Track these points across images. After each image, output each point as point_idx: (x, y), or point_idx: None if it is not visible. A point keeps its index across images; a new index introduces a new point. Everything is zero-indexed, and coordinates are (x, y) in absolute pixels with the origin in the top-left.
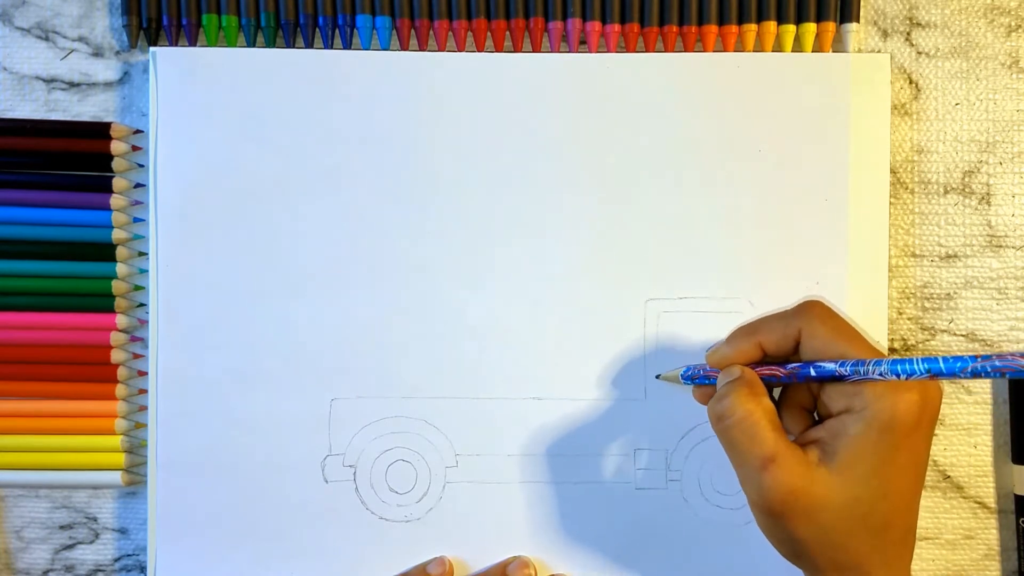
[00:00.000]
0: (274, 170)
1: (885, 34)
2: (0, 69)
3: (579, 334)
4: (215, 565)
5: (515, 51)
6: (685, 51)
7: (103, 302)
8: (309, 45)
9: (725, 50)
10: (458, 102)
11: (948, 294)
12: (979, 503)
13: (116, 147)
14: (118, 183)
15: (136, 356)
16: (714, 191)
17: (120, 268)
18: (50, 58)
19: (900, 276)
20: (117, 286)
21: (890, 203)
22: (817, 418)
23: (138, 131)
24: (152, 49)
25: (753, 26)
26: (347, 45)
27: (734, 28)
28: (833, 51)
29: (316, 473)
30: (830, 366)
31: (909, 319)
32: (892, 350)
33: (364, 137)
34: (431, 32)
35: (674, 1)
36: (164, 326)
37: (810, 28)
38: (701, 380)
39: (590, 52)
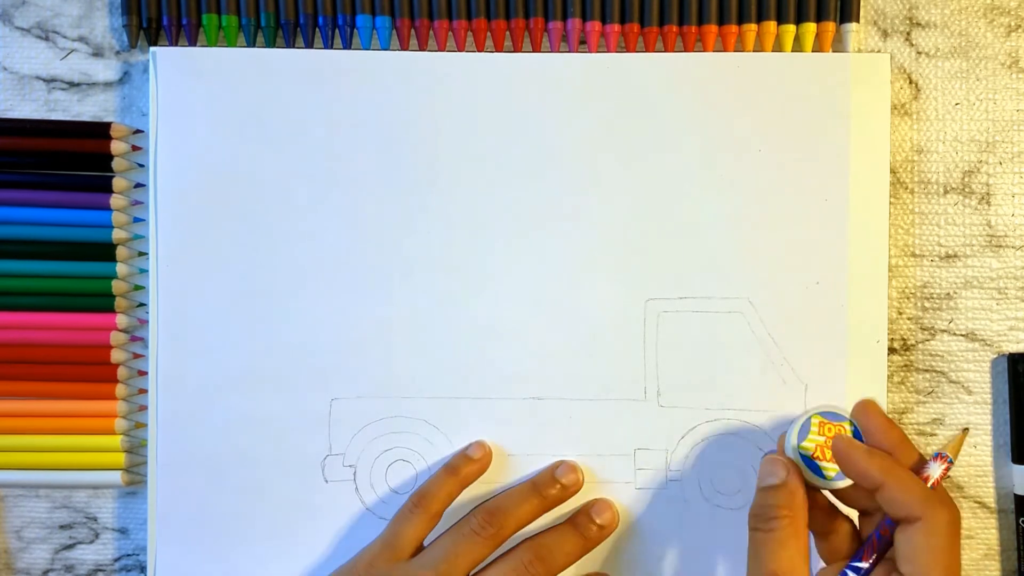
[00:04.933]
0: (274, 170)
1: (885, 34)
2: (0, 69)
3: (579, 334)
4: (215, 565)
5: (515, 51)
6: (685, 51)
7: (103, 302)
8: (309, 45)
9: (725, 50)
10: (458, 102)
11: (948, 294)
12: (979, 503)
13: (116, 147)
14: (118, 183)
15: (136, 356)
16: (714, 191)
17: (120, 268)
18: (50, 58)
19: (900, 276)
20: (117, 286)
21: (890, 203)
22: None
23: (138, 131)
24: (152, 49)
25: (753, 26)
26: (347, 45)
27: (734, 28)
28: (833, 51)
29: (316, 473)
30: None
31: (909, 319)
32: (892, 350)
33: (364, 137)
34: (431, 32)
35: (674, 1)
36: (164, 326)
37: (810, 28)
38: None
39: (590, 52)
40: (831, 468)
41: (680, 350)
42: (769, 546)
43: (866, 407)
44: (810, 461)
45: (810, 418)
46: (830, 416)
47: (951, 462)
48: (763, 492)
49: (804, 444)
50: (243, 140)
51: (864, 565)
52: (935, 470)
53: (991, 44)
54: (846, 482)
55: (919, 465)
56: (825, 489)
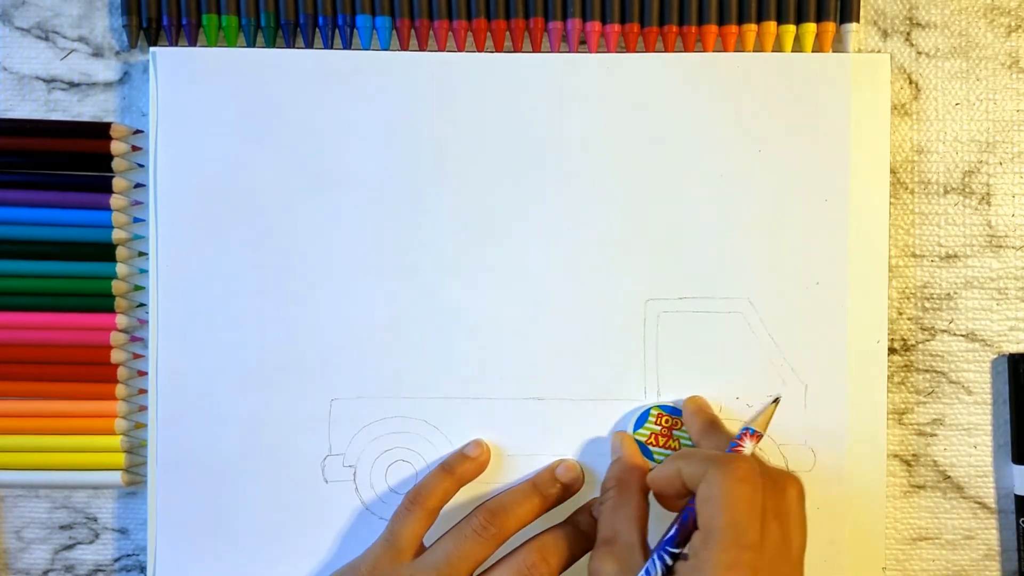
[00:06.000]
0: (274, 170)
1: (885, 34)
2: (0, 69)
3: (579, 334)
4: (215, 565)
5: (515, 51)
6: (685, 51)
7: (103, 302)
8: (309, 45)
9: (725, 50)
10: (458, 102)
11: (948, 294)
12: (979, 503)
13: (116, 147)
14: (118, 183)
15: (136, 356)
16: (714, 191)
17: (120, 268)
18: (50, 58)
19: (900, 276)
20: (117, 286)
21: (890, 203)
22: None
23: (138, 131)
24: (152, 49)
25: (753, 26)
26: (347, 45)
27: (734, 28)
28: (833, 51)
29: (316, 473)
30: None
31: (909, 319)
32: (892, 350)
33: (363, 137)
34: (431, 32)
35: (674, 1)
36: (164, 326)
37: (810, 28)
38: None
39: (590, 52)
40: (661, 453)
41: (680, 350)
42: (603, 515)
43: (687, 405)
44: (643, 447)
45: (649, 409)
46: (667, 409)
47: (758, 434)
48: (608, 469)
49: (639, 432)
50: (243, 140)
51: (671, 535)
52: (747, 446)
53: (991, 44)
54: None
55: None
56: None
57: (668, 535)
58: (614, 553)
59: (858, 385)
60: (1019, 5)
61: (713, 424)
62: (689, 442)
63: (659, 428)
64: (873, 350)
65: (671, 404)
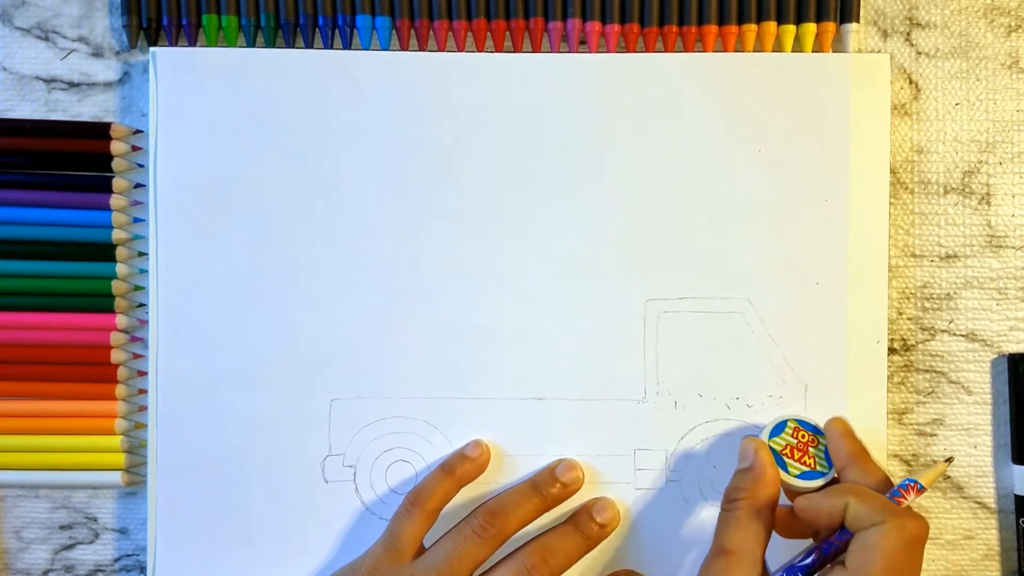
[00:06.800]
0: (274, 170)
1: (885, 34)
2: (0, 69)
3: (579, 334)
4: (215, 565)
5: (515, 51)
6: (685, 51)
7: (103, 302)
8: (309, 45)
9: (725, 50)
10: (458, 102)
11: (948, 294)
12: (979, 503)
13: (116, 147)
14: (118, 183)
15: (136, 356)
16: (714, 191)
17: (120, 268)
18: (50, 58)
19: (900, 276)
20: (117, 286)
21: (890, 203)
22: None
23: (138, 131)
24: (152, 49)
25: (753, 26)
26: (347, 45)
27: (734, 28)
28: (833, 51)
29: (316, 473)
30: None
31: (909, 319)
32: (892, 350)
33: (364, 137)
34: (431, 32)
35: (674, 1)
36: (164, 326)
37: (810, 28)
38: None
39: (590, 52)
40: (796, 467)
41: (680, 350)
42: (728, 524)
43: (834, 425)
44: (777, 456)
45: (787, 420)
46: (805, 425)
47: (922, 489)
48: (735, 474)
49: (775, 440)
50: (243, 140)
51: (807, 562)
52: (910, 499)
53: (991, 44)
54: (807, 484)
55: (884, 483)
56: (789, 486)
57: (802, 559)
58: (735, 567)
59: (858, 385)
60: (1019, 5)
61: (861, 454)
62: (825, 462)
63: (795, 441)
64: (873, 350)
65: (809, 421)
